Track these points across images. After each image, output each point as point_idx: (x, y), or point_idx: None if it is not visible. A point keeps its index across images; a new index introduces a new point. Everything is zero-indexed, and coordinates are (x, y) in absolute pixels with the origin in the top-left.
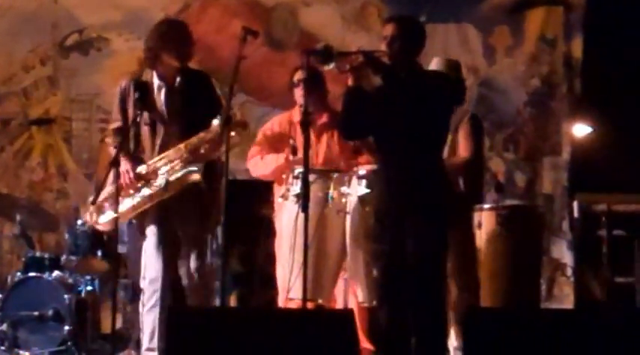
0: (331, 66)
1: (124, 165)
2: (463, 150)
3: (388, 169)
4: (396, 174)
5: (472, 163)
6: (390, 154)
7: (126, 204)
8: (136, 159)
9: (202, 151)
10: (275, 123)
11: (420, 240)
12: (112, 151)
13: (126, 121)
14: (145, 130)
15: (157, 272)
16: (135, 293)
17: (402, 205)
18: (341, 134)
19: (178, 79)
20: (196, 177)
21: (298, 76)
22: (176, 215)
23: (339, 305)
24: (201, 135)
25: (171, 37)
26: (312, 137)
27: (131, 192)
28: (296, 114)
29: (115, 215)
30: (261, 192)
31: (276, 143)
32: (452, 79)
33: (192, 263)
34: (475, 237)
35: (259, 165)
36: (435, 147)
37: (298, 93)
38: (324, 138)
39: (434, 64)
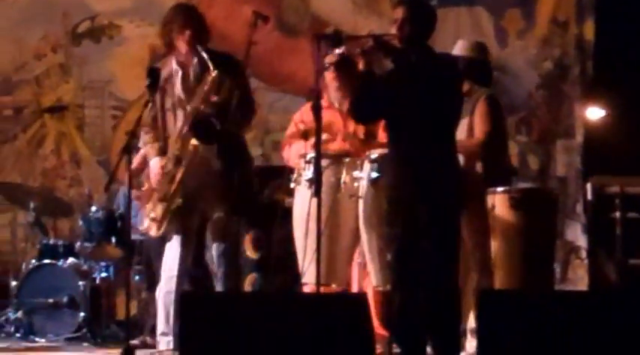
0: (341, 50)
1: (156, 163)
2: (478, 131)
3: (400, 153)
4: (409, 157)
5: (488, 144)
6: (402, 138)
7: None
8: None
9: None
10: (304, 111)
11: (433, 224)
12: (147, 150)
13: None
14: (169, 116)
15: (175, 258)
16: (151, 279)
17: (415, 189)
18: (352, 117)
19: (195, 62)
20: (194, 142)
21: (328, 59)
22: (198, 201)
23: (352, 289)
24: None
25: (182, 22)
26: (340, 120)
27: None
28: (324, 100)
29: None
30: (275, 177)
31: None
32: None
33: (217, 248)
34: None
35: (287, 153)
36: (446, 130)
37: (328, 77)
38: (352, 122)
39: (458, 47)
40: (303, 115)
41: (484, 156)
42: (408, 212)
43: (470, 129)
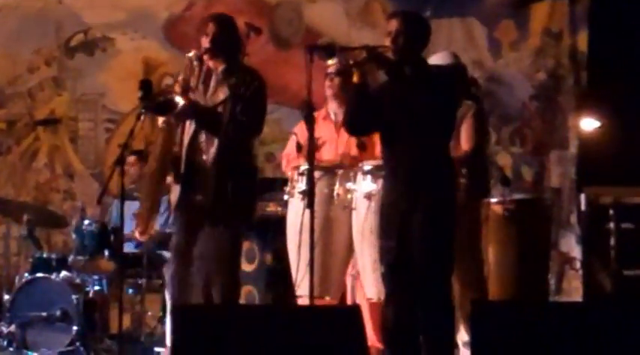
0: (334, 61)
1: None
2: (465, 142)
3: (394, 165)
4: (403, 169)
5: (473, 156)
6: (397, 150)
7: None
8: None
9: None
10: (300, 123)
11: (427, 237)
12: None
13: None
14: (184, 127)
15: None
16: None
17: (409, 200)
18: (345, 130)
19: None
20: (160, 119)
21: (331, 68)
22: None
23: (347, 301)
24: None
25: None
26: (333, 131)
27: None
28: (323, 111)
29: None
30: (269, 189)
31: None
32: (458, 73)
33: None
34: (480, 230)
35: (285, 169)
36: (441, 142)
37: (326, 85)
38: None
39: (435, 59)
40: (296, 128)
41: (469, 169)
42: (401, 223)
43: (456, 141)
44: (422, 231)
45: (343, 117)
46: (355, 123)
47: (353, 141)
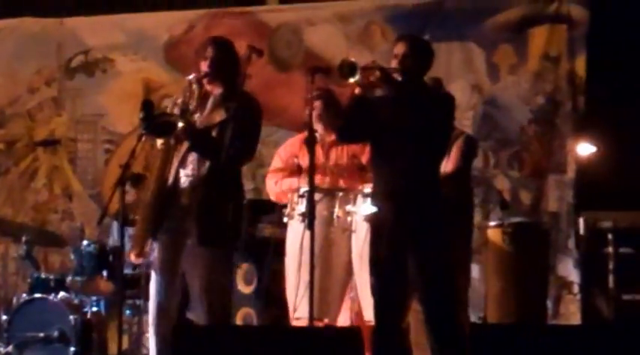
0: (356, 79)
1: None
2: (449, 165)
3: (383, 182)
4: (390, 186)
5: (456, 178)
6: (386, 167)
7: None
8: None
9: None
10: (288, 144)
11: (424, 260)
12: None
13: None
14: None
15: (154, 291)
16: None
17: (399, 218)
18: (337, 135)
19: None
20: (159, 141)
21: (311, 94)
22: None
23: (345, 323)
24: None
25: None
26: (321, 155)
27: None
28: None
29: None
30: (267, 211)
31: (290, 164)
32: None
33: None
34: (470, 254)
35: (274, 189)
36: (432, 162)
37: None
38: (333, 155)
39: None
40: (286, 146)
41: (450, 189)
42: (392, 237)
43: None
44: (419, 255)
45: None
46: (346, 129)
47: (343, 163)
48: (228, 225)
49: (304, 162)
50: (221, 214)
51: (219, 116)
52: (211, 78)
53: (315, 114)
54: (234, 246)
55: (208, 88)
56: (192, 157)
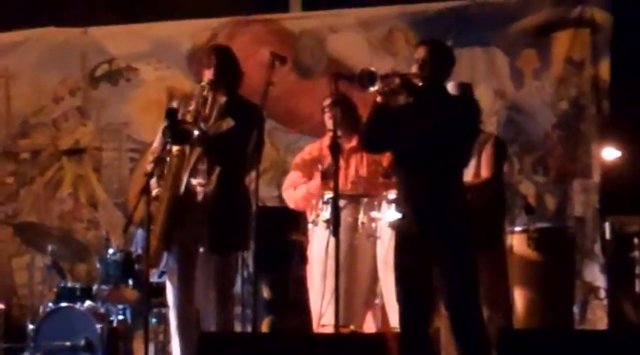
0: (376, 88)
1: None
2: (485, 170)
3: (406, 189)
4: (414, 194)
5: (492, 183)
6: (409, 174)
7: None
8: None
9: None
10: (307, 150)
11: (447, 267)
12: None
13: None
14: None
15: (173, 300)
16: None
17: (421, 225)
18: (361, 144)
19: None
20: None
21: (327, 100)
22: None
23: (371, 330)
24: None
25: (207, 62)
26: (341, 161)
27: None
28: (327, 140)
29: None
30: (291, 218)
31: (309, 170)
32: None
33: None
34: (507, 258)
35: (292, 196)
36: (455, 170)
37: (328, 118)
38: (353, 162)
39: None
40: (305, 153)
41: (489, 195)
42: (416, 244)
43: (476, 169)
44: (442, 262)
45: (359, 133)
46: (370, 138)
47: (362, 169)
48: (239, 231)
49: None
50: (231, 221)
51: (226, 125)
52: (216, 85)
53: (331, 123)
54: (243, 252)
55: (213, 95)
56: (203, 166)
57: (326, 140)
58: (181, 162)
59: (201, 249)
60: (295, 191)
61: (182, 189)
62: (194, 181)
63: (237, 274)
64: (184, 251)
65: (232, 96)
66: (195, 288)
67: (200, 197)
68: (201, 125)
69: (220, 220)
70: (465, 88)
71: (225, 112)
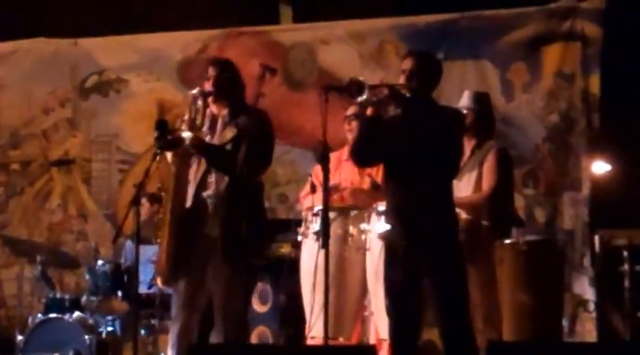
0: (364, 98)
1: None
2: (486, 184)
3: (396, 201)
4: (402, 205)
5: (494, 197)
6: (398, 185)
7: None
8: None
9: None
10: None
11: (437, 279)
12: None
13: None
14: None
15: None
16: None
17: (411, 238)
18: (352, 159)
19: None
20: (169, 156)
21: (350, 110)
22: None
23: (361, 341)
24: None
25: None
26: (356, 173)
27: None
28: (345, 153)
29: None
30: (282, 230)
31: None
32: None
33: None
34: (496, 270)
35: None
36: (443, 181)
37: (347, 130)
38: (345, 174)
39: (465, 97)
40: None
41: (490, 209)
42: (405, 258)
43: (478, 180)
44: (432, 274)
45: (350, 147)
46: (362, 153)
47: (355, 179)
48: (250, 241)
49: (318, 180)
50: (243, 231)
51: (231, 133)
52: (216, 97)
53: (352, 135)
54: (256, 263)
55: (215, 109)
56: (212, 178)
57: (344, 153)
58: (179, 172)
59: (215, 262)
60: (300, 203)
61: (190, 203)
62: (204, 194)
63: (255, 283)
64: (194, 277)
65: (235, 104)
66: (212, 300)
67: (210, 209)
68: (196, 131)
69: (232, 231)
70: (481, 98)
71: (229, 122)
